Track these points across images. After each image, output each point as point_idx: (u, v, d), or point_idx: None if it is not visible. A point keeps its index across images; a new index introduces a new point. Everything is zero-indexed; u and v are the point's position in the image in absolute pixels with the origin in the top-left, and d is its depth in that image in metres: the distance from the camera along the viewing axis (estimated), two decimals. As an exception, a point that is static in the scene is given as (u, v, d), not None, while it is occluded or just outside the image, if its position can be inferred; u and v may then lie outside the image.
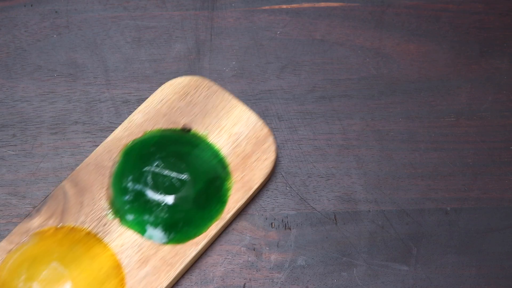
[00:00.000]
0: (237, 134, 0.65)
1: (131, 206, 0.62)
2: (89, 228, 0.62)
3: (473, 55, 0.70)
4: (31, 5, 0.71)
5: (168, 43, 0.70)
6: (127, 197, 0.62)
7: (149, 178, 0.63)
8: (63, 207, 0.62)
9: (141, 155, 0.64)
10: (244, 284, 0.63)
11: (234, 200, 0.63)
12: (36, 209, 0.62)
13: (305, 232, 0.64)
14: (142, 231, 0.62)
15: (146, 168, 0.63)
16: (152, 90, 0.68)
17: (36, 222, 0.62)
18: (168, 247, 0.62)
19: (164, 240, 0.62)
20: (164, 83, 0.68)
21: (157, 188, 0.62)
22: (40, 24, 0.70)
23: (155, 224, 0.62)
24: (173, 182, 0.63)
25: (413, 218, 0.65)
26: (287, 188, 0.66)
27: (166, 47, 0.70)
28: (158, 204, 0.62)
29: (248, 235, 0.64)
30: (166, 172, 0.63)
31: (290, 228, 0.65)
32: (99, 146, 0.65)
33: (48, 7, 0.71)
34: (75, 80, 0.68)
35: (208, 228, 0.62)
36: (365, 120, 0.68)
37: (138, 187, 0.63)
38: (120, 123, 0.67)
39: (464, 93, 0.69)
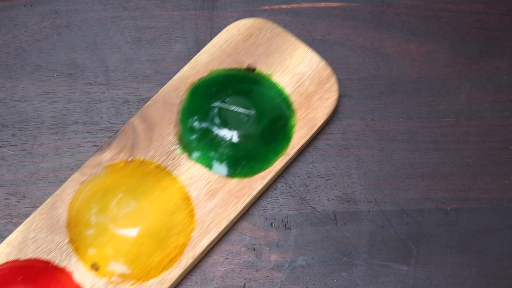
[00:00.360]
0: (300, 74, 0.67)
1: (198, 144, 0.64)
2: (159, 162, 0.64)
3: (473, 55, 0.70)
4: (31, 5, 0.71)
5: (168, 43, 0.70)
6: (193, 136, 0.64)
7: (216, 114, 0.64)
8: (133, 142, 0.64)
9: (208, 93, 0.65)
10: (244, 284, 0.63)
11: (299, 137, 0.65)
12: (106, 143, 0.64)
13: (305, 232, 0.64)
14: (209, 165, 0.64)
15: (213, 104, 0.65)
16: (152, 90, 0.68)
17: (107, 155, 0.64)
18: (235, 181, 0.64)
19: (231, 174, 0.64)
20: (164, 83, 0.68)
21: (224, 123, 0.64)
22: (40, 24, 0.70)
23: (222, 159, 0.64)
24: (240, 117, 0.64)
25: (413, 218, 0.65)
26: (287, 188, 0.66)
27: (166, 47, 0.70)
28: (224, 140, 0.64)
29: (248, 235, 0.64)
30: (233, 108, 0.64)
31: (290, 228, 0.65)
32: (166, 85, 0.66)
33: (48, 7, 0.71)
34: (75, 80, 0.68)
35: (274, 163, 0.64)
36: (365, 120, 0.68)
37: (205, 125, 0.65)
38: (120, 123, 0.67)
39: (464, 93, 0.69)
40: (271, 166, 0.64)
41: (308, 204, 0.65)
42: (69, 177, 0.65)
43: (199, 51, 0.69)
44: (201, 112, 0.65)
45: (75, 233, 0.61)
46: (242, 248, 0.64)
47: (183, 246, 0.62)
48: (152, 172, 0.63)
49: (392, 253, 0.64)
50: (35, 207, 0.64)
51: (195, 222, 0.62)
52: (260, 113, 0.65)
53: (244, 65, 0.67)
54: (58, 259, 0.61)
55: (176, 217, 0.62)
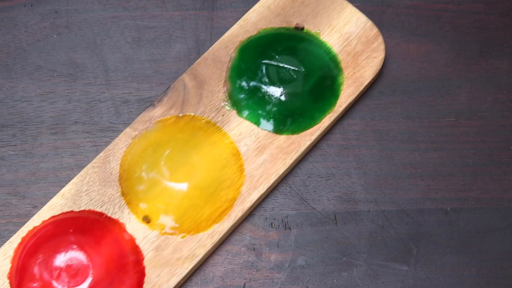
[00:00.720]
0: (347, 33, 0.68)
1: (247, 102, 0.65)
2: (209, 118, 0.65)
3: (473, 55, 0.70)
4: (31, 5, 0.71)
5: (168, 43, 0.70)
6: (243, 94, 0.66)
7: (265, 72, 0.66)
8: (183, 98, 0.66)
9: (257, 51, 0.67)
10: (244, 284, 0.63)
11: (346, 95, 0.66)
12: (157, 99, 0.66)
13: (305, 232, 0.64)
14: (257, 123, 0.65)
15: (262, 62, 0.66)
16: (152, 90, 0.68)
17: (158, 111, 0.65)
18: (284, 137, 0.65)
19: (279, 131, 0.65)
20: (164, 83, 0.68)
21: (272, 81, 0.66)
22: (40, 24, 0.70)
23: (270, 117, 0.65)
24: (289, 74, 0.66)
25: (413, 218, 0.65)
26: (287, 188, 0.66)
27: (166, 47, 0.70)
28: (273, 97, 0.65)
29: (248, 235, 0.64)
30: (282, 65, 0.66)
31: (290, 228, 0.65)
32: (215, 43, 0.68)
33: (48, 7, 0.71)
34: (75, 80, 0.68)
35: (321, 120, 0.66)
36: (365, 120, 0.68)
37: (254, 83, 0.66)
38: (121, 123, 0.67)
39: (464, 93, 0.69)
40: (319, 123, 0.66)
41: (308, 204, 0.65)
42: (69, 177, 0.65)
43: (199, 51, 0.69)
44: (250, 70, 0.66)
45: (127, 186, 0.63)
46: (242, 248, 0.64)
47: (233, 200, 0.63)
48: (202, 128, 0.65)
49: (392, 253, 0.64)
50: (35, 207, 0.64)
51: (245, 177, 0.64)
52: (309, 70, 0.66)
53: (293, 25, 0.68)
54: (110, 211, 0.62)
55: (226, 171, 0.64)
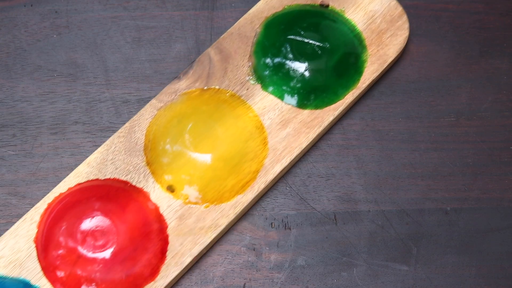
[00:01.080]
0: (372, 11, 0.69)
1: (272, 77, 0.66)
2: (233, 91, 0.66)
3: (473, 55, 0.70)
4: (31, 5, 0.71)
5: (168, 43, 0.70)
6: (267, 69, 0.66)
7: (290, 48, 0.66)
8: (209, 72, 0.67)
9: (282, 27, 0.68)
10: (244, 284, 0.63)
11: (370, 71, 0.67)
12: (183, 72, 0.67)
13: (305, 232, 0.64)
14: (282, 97, 0.66)
15: (288, 37, 0.67)
16: (152, 90, 0.68)
17: (183, 84, 0.66)
18: (307, 112, 0.66)
19: (303, 105, 0.66)
20: (165, 83, 0.68)
21: (297, 56, 0.66)
22: (40, 24, 0.70)
23: (294, 92, 0.66)
24: (314, 49, 0.66)
25: (413, 218, 0.65)
26: (287, 188, 0.66)
27: (166, 47, 0.70)
28: (298, 73, 0.66)
29: (248, 235, 0.64)
30: (307, 40, 0.66)
31: (290, 228, 0.65)
32: (241, 18, 0.69)
33: (48, 7, 0.71)
34: (75, 80, 0.68)
35: (345, 96, 0.66)
36: (365, 120, 0.68)
37: (279, 59, 0.67)
38: (121, 123, 0.67)
39: (464, 93, 0.69)
40: (342, 99, 0.66)
41: (308, 204, 0.65)
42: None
43: (199, 51, 0.69)
44: (275, 46, 0.67)
45: (152, 156, 0.64)
46: (242, 248, 0.64)
47: (256, 172, 0.64)
48: (227, 100, 0.66)
49: (392, 253, 0.64)
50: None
51: (268, 150, 0.65)
52: (333, 47, 0.67)
53: (318, 2, 0.69)
54: (135, 180, 0.63)
55: (249, 144, 0.64)
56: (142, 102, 0.68)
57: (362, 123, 0.68)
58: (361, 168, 0.66)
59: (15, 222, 0.64)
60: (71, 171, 0.65)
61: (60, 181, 0.65)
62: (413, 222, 0.65)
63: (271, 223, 0.65)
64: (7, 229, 0.63)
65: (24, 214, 0.64)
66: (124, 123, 0.67)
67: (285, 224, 0.65)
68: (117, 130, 0.66)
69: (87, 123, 0.67)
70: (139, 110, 0.67)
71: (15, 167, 0.66)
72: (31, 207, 0.64)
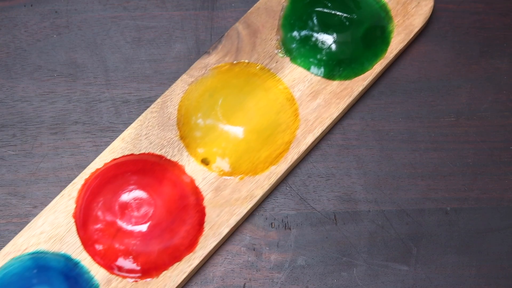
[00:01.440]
0: None
1: (300, 51, 0.67)
2: (263, 64, 0.67)
3: (473, 55, 0.70)
4: (31, 5, 0.71)
5: (168, 43, 0.70)
6: (295, 42, 0.67)
7: (317, 19, 0.67)
8: (237, 46, 0.68)
9: (308, 0, 0.69)
10: (244, 284, 0.63)
11: (397, 42, 0.68)
12: (212, 47, 0.68)
13: (305, 232, 0.64)
14: (310, 69, 0.67)
15: (315, 9, 0.67)
16: (152, 90, 0.68)
17: (213, 58, 0.68)
18: (336, 83, 0.67)
19: (332, 76, 0.67)
20: (164, 83, 0.68)
21: (325, 28, 0.68)
22: (40, 24, 0.70)
23: (323, 63, 0.67)
24: (341, 20, 0.67)
25: (413, 218, 0.65)
26: (287, 188, 0.66)
27: (166, 47, 0.70)
28: (325, 44, 0.67)
29: (248, 235, 0.64)
30: (334, 12, 0.67)
31: (290, 228, 0.65)
32: None
33: (48, 7, 0.71)
34: (75, 80, 0.68)
35: (373, 66, 0.68)
36: (365, 120, 0.68)
37: (306, 31, 0.68)
38: (121, 123, 0.67)
39: (464, 93, 0.69)
40: (371, 69, 0.67)
41: (308, 204, 0.65)
42: (69, 177, 0.65)
43: (199, 51, 0.69)
44: (302, 19, 0.68)
45: (185, 130, 0.65)
46: (242, 248, 0.64)
47: (289, 143, 0.65)
48: (257, 74, 0.67)
49: (392, 253, 0.64)
50: (35, 207, 0.64)
51: (299, 121, 0.66)
52: (360, 18, 0.68)
53: None
54: (170, 154, 0.65)
55: (281, 115, 0.66)
56: (142, 102, 0.68)
57: (362, 123, 0.68)
58: (361, 168, 0.66)
59: (15, 222, 0.64)
60: (71, 171, 0.65)
61: (60, 181, 0.65)
62: (413, 222, 0.65)
63: (271, 223, 0.65)
64: (7, 229, 0.63)
65: (24, 214, 0.64)
66: (125, 123, 0.67)
67: (285, 224, 0.65)
68: (117, 130, 0.66)
69: (87, 123, 0.67)
70: (139, 110, 0.67)
71: (15, 167, 0.66)
72: (31, 207, 0.64)
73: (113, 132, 0.67)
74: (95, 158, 0.65)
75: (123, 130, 0.66)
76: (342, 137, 0.67)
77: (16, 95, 0.68)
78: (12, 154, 0.66)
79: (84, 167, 0.65)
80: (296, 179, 0.66)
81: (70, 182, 0.64)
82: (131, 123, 0.66)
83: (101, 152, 0.65)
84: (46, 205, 0.64)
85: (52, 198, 0.64)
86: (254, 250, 0.64)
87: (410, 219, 0.65)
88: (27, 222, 0.63)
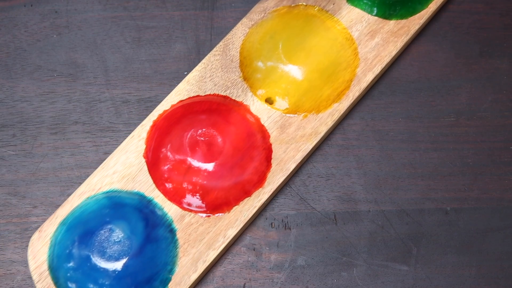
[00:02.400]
0: None
1: None
2: (320, 6, 0.69)
3: (473, 55, 0.70)
4: (31, 5, 0.71)
5: (168, 43, 0.70)
6: None
7: None
8: None
9: None
10: (244, 284, 0.63)
11: None
12: None
13: (305, 232, 0.64)
14: (367, 10, 0.69)
15: None
16: (152, 90, 0.68)
17: (271, 2, 0.70)
18: (393, 22, 0.69)
19: (389, 16, 0.69)
20: (164, 83, 0.68)
21: None
22: (40, 24, 0.70)
23: (379, 3, 0.69)
24: None
25: (413, 218, 0.65)
26: (287, 188, 0.66)
27: (166, 47, 0.70)
28: None
29: (248, 235, 0.64)
30: None
31: (290, 228, 0.65)
32: None
33: (48, 7, 0.71)
34: (75, 80, 0.68)
35: (428, 5, 0.69)
36: (365, 120, 0.68)
37: None
38: (121, 123, 0.67)
39: (464, 93, 0.69)
40: (426, 7, 0.69)
41: (308, 204, 0.65)
42: (69, 177, 0.65)
43: (199, 51, 0.69)
44: None
45: (248, 72, 0.67)
46: (242, 248, 0.64)
47: (350, 81, 0.67)
48: (315, 15, 0.69)
49: (392, 253, 0.64)
50: (35, 207, 0.64)
51: (359, 59, 0.68)
52: None
53: None
54: (234, 95, 0.67)
55: (341, 54, 0.67)
56: (142, 102, 0.68)
57: (362, 123, 0.68)
58: (361, 168, 0.66)
59: (15, 222, 0.64)
60: (71, 171, 0.65)
61: (60, 181, 0.65)
62: (413, 222, 0.65)
63: (271, 223, 0.65)
64: (7, 229, 0.63)
65: (24, 214, 0.64)
66: (125, 123, 0.66)
67: (285, 224, 0.65)
68: (117, 130, 0.66)
69: (87, 123, 0.67)
70: (139, 110, 0.67)
71: (15, 167, 0.66)
72: (31, 207, 0.64)
73: (113, 132, 0.67)
74: (95, 158, 0.65)
75: (123, 130, 0.66)
76: (342, 137, 0.67)
77: (16, 95, 0.68)
78: (12, 154, 0.66)
79: (84, 167, 0.65)
80: (296, 179, 0.66)
81: (70, 182, 0.64)
82: (131, 123, 0.66)
83: (101, 152, 0.65)
84: (46, 205, 0.64)
85: (52, 198, 0.64)
86: (254, 250, 0.64)
87: (410, 219, 0.65)
88: (27, 222, 0.63)
